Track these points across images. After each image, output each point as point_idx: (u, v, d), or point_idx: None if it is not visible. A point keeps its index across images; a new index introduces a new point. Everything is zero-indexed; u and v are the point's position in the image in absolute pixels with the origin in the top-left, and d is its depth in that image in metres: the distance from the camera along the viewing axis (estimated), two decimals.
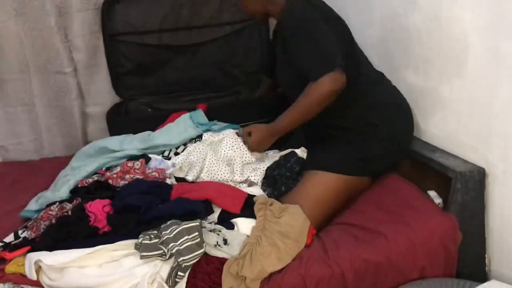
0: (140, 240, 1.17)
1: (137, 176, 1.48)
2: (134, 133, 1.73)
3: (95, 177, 1.53)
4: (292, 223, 1.26)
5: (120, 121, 1.87)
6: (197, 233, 1.18)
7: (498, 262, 1.32)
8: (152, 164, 1.55)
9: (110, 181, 1.48)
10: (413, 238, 1.25)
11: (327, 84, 1.31)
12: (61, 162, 1.93)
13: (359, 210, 1.39)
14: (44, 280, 1.16)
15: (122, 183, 1.47)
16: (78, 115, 2.01)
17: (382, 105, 1.46)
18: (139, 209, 1.30)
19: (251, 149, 1.53)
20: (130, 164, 1.53)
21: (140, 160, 1.54)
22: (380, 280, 1.22)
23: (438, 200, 1.35)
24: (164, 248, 1.15)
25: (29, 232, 1.34)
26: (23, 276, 1.17)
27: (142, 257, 1.15)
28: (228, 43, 2.05)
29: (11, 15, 1.82)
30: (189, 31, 2.03)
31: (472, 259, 1.33)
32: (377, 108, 1.45)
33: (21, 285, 1.15)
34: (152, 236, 1.19)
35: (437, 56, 1.40)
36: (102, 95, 2.04)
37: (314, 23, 1.38)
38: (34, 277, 1.15)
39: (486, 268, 1.34)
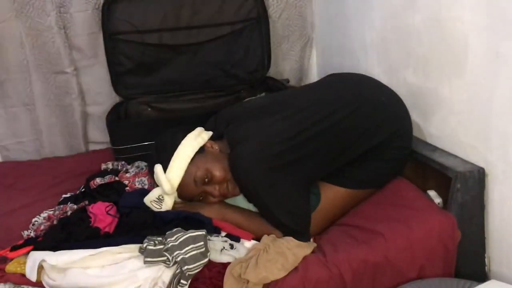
0: (144, 245, 1.17)
1: (143, 179, 1.50)
2: (134, 136, 1.75)
3: (107, 178, 1.54)
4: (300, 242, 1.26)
5: (120, 126, 1.87)
6: (202, 243, 1.17)
7: (498, 262, 1.32)
8: None
9: (126, 181, 1.50)
10: (411, 237, 1.25)
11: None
12: (61, 162, 1.94)
13: (357, 210, 1.39)
14: (46, 280, 1.16)
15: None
16: (78, 115, 2.01)
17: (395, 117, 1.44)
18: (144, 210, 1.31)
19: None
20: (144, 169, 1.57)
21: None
22: (378, 280, 1.22)
23: (437, 199, 1.35)
24: (168, 255, 1.14)
25: (32, 233, 1.35)
26: (24, 276, 1.17)
27: (146, 262, 1.15)
28: (228, 43, 2.05)
29: (11, 15, 1.82)
30: (189, 31, 2.02)
31: (471, 258, 1.33)
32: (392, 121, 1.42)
33: (22, 286, 1.16)
34: (156, 242, 1.18)
35: (437, 56, 1.40)
36: (102, 95, 2.04)
37: (270, 180, 1.27)
38: (34, 277, 1.15)
39: (486, 268, 1.34)
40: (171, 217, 1.28)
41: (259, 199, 1.30)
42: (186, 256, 1.14)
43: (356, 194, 1.40)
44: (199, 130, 1.40)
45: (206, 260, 1.16)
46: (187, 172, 1.30)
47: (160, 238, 1.19)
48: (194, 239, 1.17)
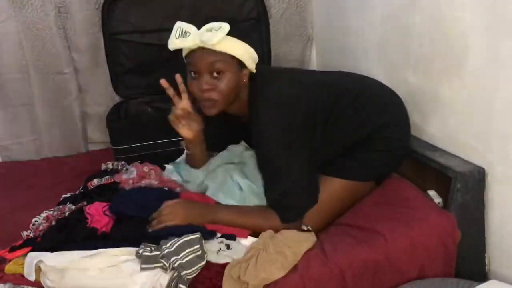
0: (141, 251, 1.16)
1: (153, 182, 1.48)
2: (134, 136, 1.75)
3: (103, 180, 1.53)
4: (299, 238, 1.26)
5: (120, 126, 1.87)
6: (198, 246, 1.16)
7: (498, 262, 1.32)
8: (165, 173, 1.56)
9: (121, 185, 1.48)
10: (412, 237, 1.24)
11: (284, 226, 1.28)
12: (61, 162, 1.95)
13: (358, 210, 1.39)
14: (44, 281, 1.16)
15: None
16: (78, 115, 2.01)
17: (388, 107, 1.45)
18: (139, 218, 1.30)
19: (161, 217, 1.28)
20: (146, 169, 1.53)
21: (153, 167, 1.54)
22: (379, 279, 1.22)
23: (437, 199, 1.35)
24: (165, 262, 1.14)
25: (32, 233, 1.35)
26: (23, 276, 1.17)
27: (142, 269, 1.14)
28: None
29: (10, 15, 1.82)
30: None
31: (472, 259, 1.33)
32: (386, 110, 1.43)
33: (21, 286, 1.15)
34: (152, 248, 1.17)
35: (437, 56, 1.41)
36: (102, 95, 2.04)
37: (293, 143, 1.27)
38: (32, 277, 1.15)
39: (486, 268, 1.34)
40: (164, 235, 1.24)
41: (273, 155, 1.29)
42: (183, 261, 1.13)
43: (354, 186, 1.39)
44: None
45: (203, 262, 1.15)
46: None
47: (155, 245, 1.19)
48: (189, 243, 1.16)
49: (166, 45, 2.02)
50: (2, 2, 1.80)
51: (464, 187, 1.28)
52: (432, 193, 1.37)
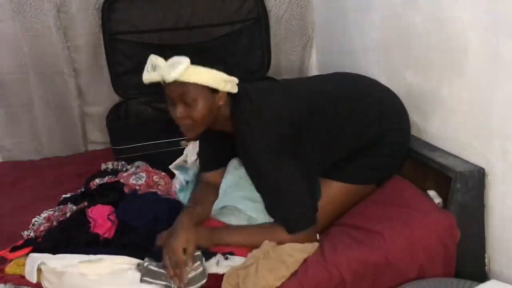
0: (145, 264, 1.16)
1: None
2: (134, 136, 1.75)
3: (106, 178, 1.53)
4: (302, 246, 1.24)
5: (120, 126, 1.87)
6: (199, 262, 1.17)
7: (498, 262, 1.32)
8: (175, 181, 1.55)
9: (126, 187, 1.48)
10: (411, 237, 1.25)
11: (293, 239, 1.25)
12: (61, 162, 1.95)
13: (358, 210, 1.39)
14: (45, 283, 1.16)
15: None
16: (78, 115, 2.01)
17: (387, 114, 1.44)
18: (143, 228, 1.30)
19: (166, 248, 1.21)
20: (156, 178, 1.53)
21: (163, 175, 1.54)
22: (378, 280, 1.22)
23: (437, 199, 1.35)
24: (170, 283, 1.13)
25: (32, 233, 1.35)
26: (23, 277, 1.17)
27: (142, 281, 1.13)
28: (228, 43, 2.05)
29: (9, 15, 1.82)
30: (189, 31, 2.03)
31: (472, 258, 1.33)
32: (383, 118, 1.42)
33: (22, 286, 1.15)
34: (158, 263, 1.17)
35: (437, 56, 1.40)
36: (102, 95, 2.04)
37: (281, 161, 1.26)
38: (34, 279, 1.15)
39: (486, 268, 1.34)
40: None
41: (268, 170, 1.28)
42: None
43: (355, 189, 1.40)
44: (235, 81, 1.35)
45: (205, 280, 1.16)
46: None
47: (159, 262, 1.18)
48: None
49: (166, 45, 2.05)
50: (1, 2, 1.80)
51: (464, 187, 1.28)
52: (432, 193, 1.37)
